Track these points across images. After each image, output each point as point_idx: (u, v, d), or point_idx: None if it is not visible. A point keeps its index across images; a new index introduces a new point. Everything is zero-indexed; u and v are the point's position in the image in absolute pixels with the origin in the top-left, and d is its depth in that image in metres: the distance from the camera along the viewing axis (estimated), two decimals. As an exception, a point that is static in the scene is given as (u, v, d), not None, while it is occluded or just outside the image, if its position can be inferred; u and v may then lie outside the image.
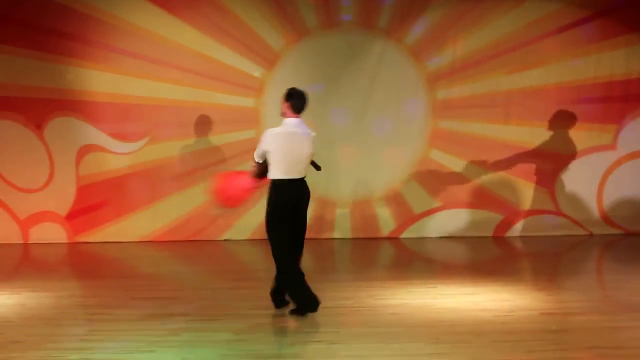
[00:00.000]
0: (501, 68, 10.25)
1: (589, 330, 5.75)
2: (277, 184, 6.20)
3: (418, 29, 10.17)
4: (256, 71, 10.11)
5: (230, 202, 6.74)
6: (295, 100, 6.26)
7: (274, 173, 6.20)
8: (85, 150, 10.03)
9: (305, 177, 6.32)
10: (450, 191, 10.34)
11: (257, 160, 6.29)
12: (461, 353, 5.16)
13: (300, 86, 9.13)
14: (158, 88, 9.99)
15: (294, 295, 6.28)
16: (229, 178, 6.75)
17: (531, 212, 10.44)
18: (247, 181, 6.41)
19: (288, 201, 6.21)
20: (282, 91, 6.45)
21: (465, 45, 10.24)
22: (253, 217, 9.53)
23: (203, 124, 10.13)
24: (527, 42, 10.23)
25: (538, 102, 10.31)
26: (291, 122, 6.25)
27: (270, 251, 6.28)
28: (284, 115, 6.31)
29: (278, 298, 6.43)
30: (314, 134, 6.35)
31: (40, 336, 5.68)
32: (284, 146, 6.18)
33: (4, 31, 9.83)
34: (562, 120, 10.32)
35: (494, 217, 10.43)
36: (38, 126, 9.95)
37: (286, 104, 6.28)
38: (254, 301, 6.63)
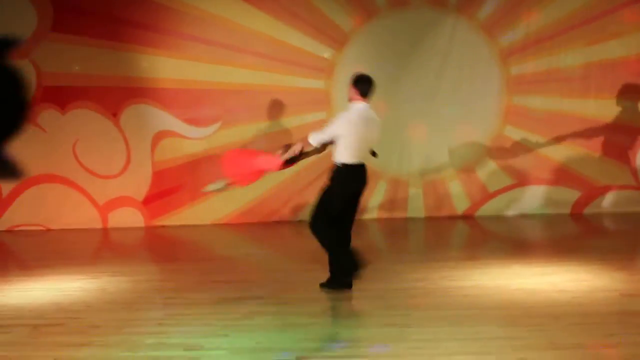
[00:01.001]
0: (578, 40, 9.95)
1: (672, 312, 5.55)
2: (347, 168, 6.25)
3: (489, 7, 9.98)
4: (326, 52, 10.08)
5: (240, 179, 6.79)
6: (363, 85, 6.29)
7: (345, 157, 6.24)
8: (160, 136, 10.22)
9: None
10: (526, 168, 10.13)
11: (315, 144, 6.30)
12: (537, 336, 5.03)
13: (370, 66, 9.13)
14: (229, 73, 10.08)
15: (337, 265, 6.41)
16: (247, 156, 6.76)
17: (610, 188, 10.15)
18: (270, 163, 6.49)
19: (355, 184, 6.34)
20: (352, 72, 6.44)
21: (539, 18, 9.96)
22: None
23: (274, 107, 10.17)
24: (604, 12, 9.90)
25: (617, 74, 9.98)
26: (363, 107, 6.28)
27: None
28: (351, 99, 6.31)
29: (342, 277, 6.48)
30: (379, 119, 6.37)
31: (119, 320, 5.80)
32: (359, 131, 6.22)
33: (79, 23, 10.05)
34: (643, 92, 9.98)
35: (572, 193, 10.17)
36: (114, 114, 10.17)
37: (354, 89, 6.27)
38: (327, 284, 6.63)
